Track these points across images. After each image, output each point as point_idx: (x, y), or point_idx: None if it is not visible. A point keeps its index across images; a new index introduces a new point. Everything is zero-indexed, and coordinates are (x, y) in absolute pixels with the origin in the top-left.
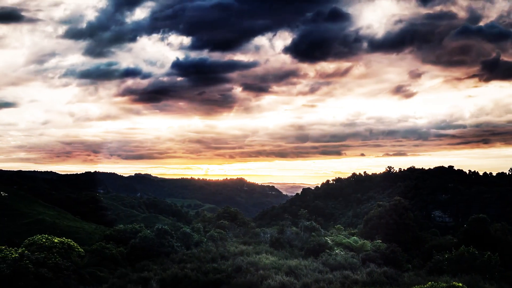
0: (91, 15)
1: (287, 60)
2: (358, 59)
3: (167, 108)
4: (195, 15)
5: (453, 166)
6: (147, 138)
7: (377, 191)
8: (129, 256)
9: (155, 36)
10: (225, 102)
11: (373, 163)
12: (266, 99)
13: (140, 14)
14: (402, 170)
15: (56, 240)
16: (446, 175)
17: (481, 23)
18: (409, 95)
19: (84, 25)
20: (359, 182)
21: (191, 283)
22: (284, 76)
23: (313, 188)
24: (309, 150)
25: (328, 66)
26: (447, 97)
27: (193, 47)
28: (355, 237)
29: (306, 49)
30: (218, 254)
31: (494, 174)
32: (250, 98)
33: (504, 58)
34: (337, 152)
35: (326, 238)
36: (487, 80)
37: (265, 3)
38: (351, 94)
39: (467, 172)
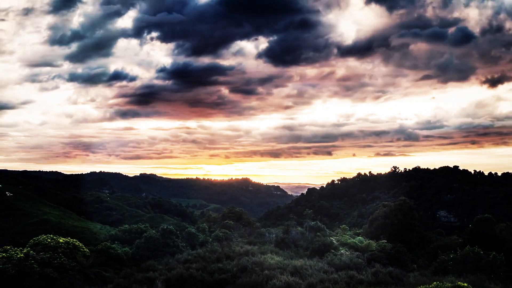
0: (77, 22)
1: (268, 65)
2: (333, 64)
3: (158, 111)
4: (180, 22)
5: (458, 166)
6: (142, 139)
7: (382, 191)
8: (134, 256)
9: (140, 41)
10: (214, 104)
11: (368, 163)
12: (254, 101)
13: (126, 20)
14: (407, 170)
15: (61, 240)
16: (451, 175)
17: (448, 29)
18: (384, 98)
19: (69, 31)
20: (364, 182)
21: (196, 283)
22: (268, 80)
23: (318, 188)
24: (301, 150)
25: (309, 70)
26: (419, 100)
27: (180, 52)
28: (360, 237)
29: (287, 54)
30: (223, 254)
31: (499, 174)
32: (238, 101)
33: (458, 61)
34: (329, 153)
35: (331, 238)
36: (445, 82)
37: (243, 11)
38: (336, 97)
39: (472, 172)
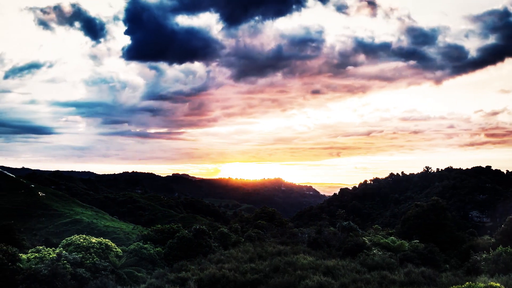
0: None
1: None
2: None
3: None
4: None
5: (490, 166)
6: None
7: (415, 191)
8: (166, 256)
9: None
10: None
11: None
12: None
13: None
14: (440, 170)
15: (93, 240)
16: (483, 175)
17: None
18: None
19: None
20: (396, 182)
21: (229, 283)
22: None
23: (350, 188)
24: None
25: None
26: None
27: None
28: (393, 237)
29: None
30: (256, 254)
31: None
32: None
33: None
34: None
35: (363, 238)
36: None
37: None
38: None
39: (505, 172)
